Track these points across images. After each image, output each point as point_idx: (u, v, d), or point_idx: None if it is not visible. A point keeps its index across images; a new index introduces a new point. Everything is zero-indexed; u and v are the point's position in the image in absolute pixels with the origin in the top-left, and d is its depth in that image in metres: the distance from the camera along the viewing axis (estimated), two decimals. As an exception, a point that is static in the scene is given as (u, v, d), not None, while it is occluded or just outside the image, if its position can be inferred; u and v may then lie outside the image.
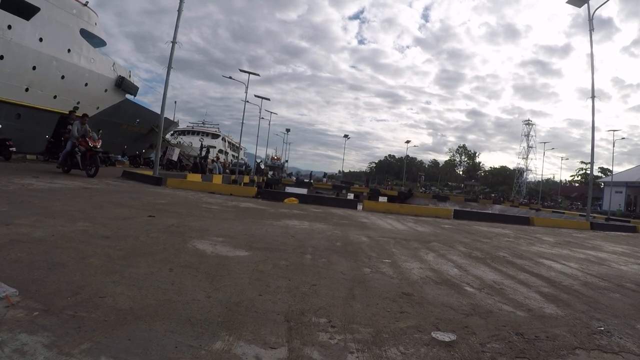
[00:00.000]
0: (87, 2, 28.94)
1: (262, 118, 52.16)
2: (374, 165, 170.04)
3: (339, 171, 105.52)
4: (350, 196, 43.70)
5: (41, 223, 6.01)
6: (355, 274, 4.91)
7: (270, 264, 5.00)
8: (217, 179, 27.51)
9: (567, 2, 22.54)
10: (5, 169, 15.58)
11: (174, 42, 19.09)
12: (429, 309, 3.77)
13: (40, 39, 24.90)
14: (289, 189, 41.56)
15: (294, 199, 15.98)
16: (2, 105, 23.51)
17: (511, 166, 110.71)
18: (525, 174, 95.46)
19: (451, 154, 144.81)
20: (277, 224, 8.83)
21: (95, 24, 30.24)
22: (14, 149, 21.22)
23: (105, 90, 31.38)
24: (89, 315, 2.89)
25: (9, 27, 22.66)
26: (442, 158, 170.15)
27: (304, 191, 39.16)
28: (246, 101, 42.13)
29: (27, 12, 23.83)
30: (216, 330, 2.86)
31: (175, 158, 36.14)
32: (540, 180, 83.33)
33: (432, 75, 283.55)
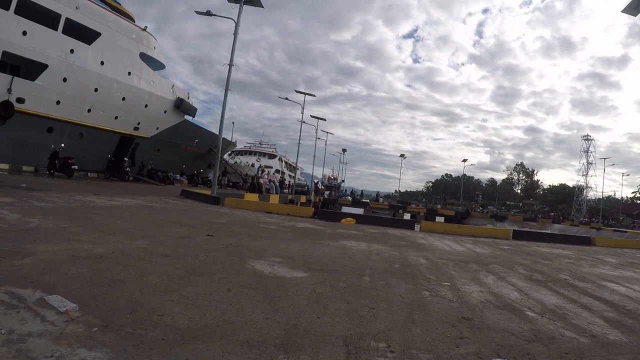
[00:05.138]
0: (146, 27, 30.81)
1: (319, 138, 52.53)
2: (430, 184, 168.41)
3: (396, 191, 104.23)
4: (407, 216, 43.16)
5: (102, 240, 6.30)
6: (414, 297, 4.86)
7: (328, 285, 5.00)
8: (274, 198, 27.92)
9: (622, 11, 21.36)
10: (68, 186, 16.55)
11: (230, 65, 19.87)
12: (489, 335, 3.67)
13: (102, 62, 26.65)
14: (345, 209, 41.44)
15: (351, 219, 15.97)
16: (66, 125, 25.19)
17: (570, 184, 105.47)
18: (585, 191, 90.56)
19: (509, 172, 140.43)
20: (334, 245, 8.85)
21: (154, 47, 31.96)
22: (76, 167, 22.65)
23: (165, 112, 32.85)
24: (148, 333, 2.94)
25: (72, 51, 24.48)
26: (500, 176, 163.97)
27: (360, 211, 38.96)
28: (302, 122, 42.61)
29: (89, 37, 25.74)
30: (274, 352, 2.85)
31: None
32: (600, 198, 78.75)
33: (488, 92, 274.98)
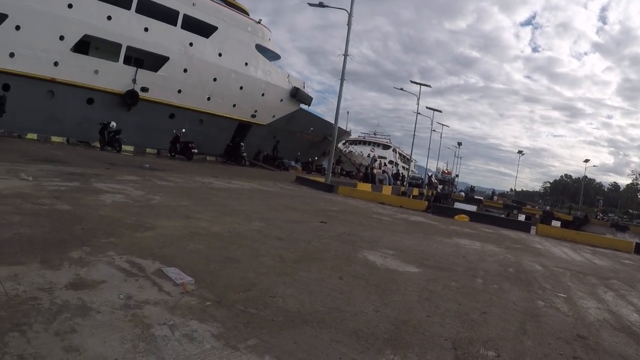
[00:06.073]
0: (260, 20, 32.58)
1: (434, 130, 51.16)
2: (548, 185, 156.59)
3: (511, 189, 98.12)
4: (522, 217, 40.58)
5: (219, 219, 6.62)
6: (528, 305, 4.57)
7: (440, 284, 4.84)
8: (387, 189, 27.73)
9: None
10: (188, 168, 17.79)
11: (345, 55, 20.12)
12: (604, 358, 3.34)
13: (220, 54, 28.88)
14: (457, 205, 40.09)
15: (464, 216, 15.37)
16: (187, 112, 27.60)
17: None
18: None
19: (634, 176, 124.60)
20: (447, 242, 8.54)
21: (269, 39, 33.56)
22: (195, 150, 24.56)
23: (281, 100, 34.18)
24: (258, 313, 2.99)
25: (191, 44, 26.96)
26: (624, 181, 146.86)
27: (473, 208, 37.47)
28: (417, 113, 41.87)
29: (206, 30, 28.08)
30: (381, 347, 2.79)
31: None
32: None
33: (613, 85, 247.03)
